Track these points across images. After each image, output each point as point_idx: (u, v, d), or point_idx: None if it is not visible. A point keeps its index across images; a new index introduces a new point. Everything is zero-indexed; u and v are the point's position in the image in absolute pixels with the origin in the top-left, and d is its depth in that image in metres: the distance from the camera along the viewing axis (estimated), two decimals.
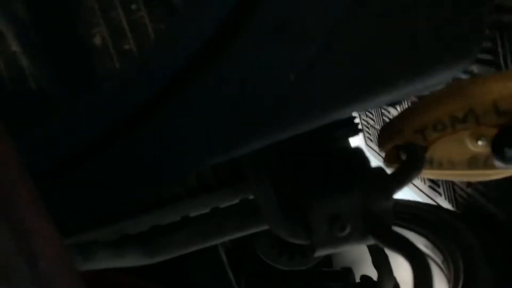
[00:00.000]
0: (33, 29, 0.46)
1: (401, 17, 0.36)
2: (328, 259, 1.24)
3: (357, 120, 0.63)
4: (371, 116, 1.62)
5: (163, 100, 0.36)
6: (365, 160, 0.55)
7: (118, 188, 0.40)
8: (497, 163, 0.49)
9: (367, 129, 1.54)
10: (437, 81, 0.39)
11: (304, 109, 0.36)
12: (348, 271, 1.11)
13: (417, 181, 1.39)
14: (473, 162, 0.54)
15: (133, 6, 0.48)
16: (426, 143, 0.53)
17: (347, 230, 0.50)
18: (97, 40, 0.48)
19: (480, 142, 0.51)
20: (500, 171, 0.54)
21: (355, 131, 0.59)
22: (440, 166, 0.55)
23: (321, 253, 0.52)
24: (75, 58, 0.47)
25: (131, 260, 0.54)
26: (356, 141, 0.68)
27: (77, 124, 0.41)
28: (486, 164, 0.54)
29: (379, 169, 0.54)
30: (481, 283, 0.92)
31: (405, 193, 1.41)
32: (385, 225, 0.50)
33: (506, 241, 0.99)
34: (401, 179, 0.53)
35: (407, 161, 0.55)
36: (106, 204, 0.42)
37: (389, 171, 0.56)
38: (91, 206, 0.42)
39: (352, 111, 0.38)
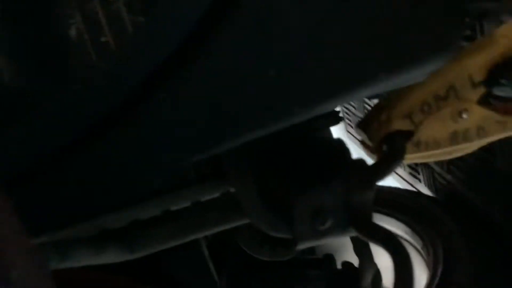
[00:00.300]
0: (5, 20, 0.44)
1: (382, 12, 0.35)
2: (311, 246, 1.25)
3: (338, 109, 0.63)
4: (352, 102, 1.62)
5: (142, 96, 0.35)
6: (346, 152, 0.55)
7: (97, 189, 0.39)
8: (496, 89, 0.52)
9: (348, 116, 1.55)
10: (418, 74, 0.39)
11: (284, 106, 0.35)
12: (330, 258, 1.11)
13: (397, 168, 1.40)
14: (454, 138, 0.56)
15: None
16: (413, 127, 0.54)
17: (329, 223, 0.50)
18: (72, 32, 0.47)
19: (464, 116, 0.53)
20: (474, 144, 0.56)
21: (336, 120, 0.59)
22: (427, 147, 0.56)
23: (303, 246, 0.52)
24: (50, 50, 0.45)
25: (111, 257, 0.53)
26: (337, 128, 0.68)
27: (55, 121, 0.39)
28: (465, 137, 0.56)
29: (360, 161, 0.54)
30: (460, 268, 0.94)
31: (386, 180, 1.42)
32: (366, 217, 0.51)
33: (483, 225, 1.00)
34: (382, 170, 0.53)
35: (389, 151, 0.55)
36: (84, 205, 0.41)
37: (371, 161, 0.56)
38: (68, 207, 0.41)
39: (333, 106, 0.38)
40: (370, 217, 0.51)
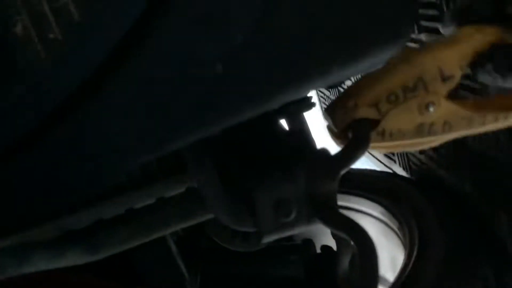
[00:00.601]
0: None
1: (331, 3, 0.34)
2: None
3: (310, 94, 0.62)
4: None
5: (89, 92, 0.34)
6: (309, 142, 0.54)
7: (48, 189, 0.38)
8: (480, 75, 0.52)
9: (323, 100, 1.54)
10: (372, 63, 0.38)
11: (234, 101, 0.34)
12: (308, 243, 1.12)
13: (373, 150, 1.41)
14: (420, 130, 0.55)
15: None
16: (379, 116, 0.54)
17: (293, 215, 0.50)
18: (18, 29, 0.45)
19: (431, 109, 0.53)
20: (439, 138, 0.56)
21: (308, 105, 0.58)
22: (391, 137, 0.56)
23: (268, 239, 0.52)
24: None
25: (72, 259, 0.52)
26: (313, 113, 0.67)
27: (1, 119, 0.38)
28: (430, 132, 0.55)
29: (323, 150, 0.53)
30: (435, 246, 0.95)
31: (361, 162, 1.42)
32: (330, 207, 0.50)
33: (456, 204, 1.01)
34: (346, 159, 0.52)
35: (353, 140, 0.54)
36: (37, 205, 0.39)
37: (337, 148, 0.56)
38: (19, 209, 0.40)
39: (286, 99, 0.37)
40: (335, 207, 0.51)
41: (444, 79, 0.52)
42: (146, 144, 0.34)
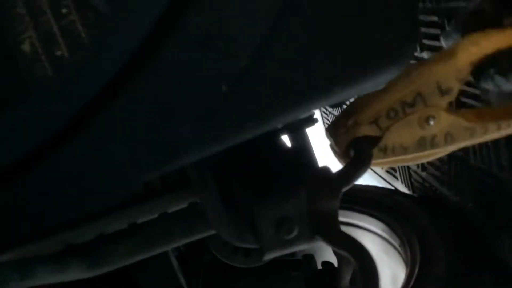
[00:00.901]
0: None
1: (333, 24, 0.35)
2: None
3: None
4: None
5: (95, 111, 0.35)
6: (311, 160, 0.55)
7: (52, 206, 0.38)
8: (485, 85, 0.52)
9: (325, 116, 1.55)
10: (373, 84, 0.39)
11: (237, 121, 0.35)
12: (309, 258, 1.12)
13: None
14: (422, 144, 0.56)
15: (64, 10, 0.45)
16: (380, 133, 0.54)
17: (295, 233, 0.50)
18: (26, 47, 0.46)
19: (431, 122, 0.54)
20: (442, 150, 0.56)
21: (311, 121, 0.59)
22: (393, 152, 0.56)
23: (270, 256, 0.52)
24: (2, 66, 0.44)
25: (75, 274, 0.52)
26: (315, 128, 0.68)
27: (8, 137, 0.38)
28: (432, 144, 0.56)
29: (325, 168, 0.54)
30: (437, 264, 0.94)
31: (364, 178, 1.42)
32: (332, 225, 0.50)
33: (458, 222, 1.01)
34: (348, 177, 0.53)
35: (355, 157, 0.55)
36: (40, 221, 0.40)
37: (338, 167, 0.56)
38: (23, 223, 0.40)
39: (289, 119, 0.37)
40: (336, 225, 0.51)
41: (443, 92, 0.53)
42: (150, 162, 0.35)
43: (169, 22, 0.32)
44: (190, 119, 0.34)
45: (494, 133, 0.55)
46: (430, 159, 0.58)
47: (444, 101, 0.53)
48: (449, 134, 0.55)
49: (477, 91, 0.79)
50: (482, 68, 0.51)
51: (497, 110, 0.58)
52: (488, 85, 0.51)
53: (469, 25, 0.53)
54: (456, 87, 0.52)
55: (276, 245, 0.50)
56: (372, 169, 1.43)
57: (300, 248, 0.52)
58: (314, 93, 0.36)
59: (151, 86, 0.33)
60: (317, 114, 1.51)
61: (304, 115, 0.38)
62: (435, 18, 0.88)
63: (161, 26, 0.32)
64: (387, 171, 1.33)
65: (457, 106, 0.84)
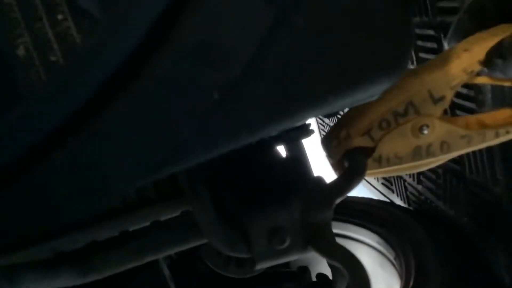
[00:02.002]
0: None
1: (327, 34, 0.35)
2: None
3: (308, 121, 0.62)
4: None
5: (88, 116, 0.34)
6: (305, 170, 0.54)
7: (43, 212, 0.38)
8: (494, 73, 0.51)
9: (322, 127, 1.55)
10: (367, 95, 0.39)
11: (230, 129, 0.35)
12: (304, 270, 1.11)
13: (371, 179, 1.41)
14: (417, 153, 0.55)
15: (60, 17, 0.45)
16: (373, 144, 0.54)
17: (287, 243, 0.50)
18: (21, 51, 0.46)
19: (425, 131, 0.53)
20: (439, 158, 0.56)
21: (307, 132, 0.59)
22: (388, 162, 0.56)
23: (261, 266, 0.51)
24: None
25: (65, 281, 0.51)
26: (312, 140, 0.68)
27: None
28: (428, 153, 0.55)
29: (319, 179, 0.54)
30: (431, 278, 0.94)
31: (360, 190, 1.42)
32: (325, 235, 0.50)
33: (453, 236, 1.01)
34: (341, 188, 0.52)
35: (348, 169, 0.55)
36: (30, 228, 0.39)
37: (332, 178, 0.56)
38: (12, 230, 0.40)
39: (281, 128, 0.37)
40: (329, 236, 0.50)
41: (435, 101, 0.52)
42: (141, 169, 0.34)
43: (163, 30, 0.32)
44: (182, 126, 0.34)
45: (492, 140, 0.55)
46: (427, 168, 0.58)
47: (437, 110, 0.52)
48: (445, 142, 0.54)
49: (471, 93, 0.79)
50: (489, 56, 0.50)
51: (494, 116, 0.57)
52: (496, 74, 0.50)
53: (468, 25, 0.53)
54: (449, 94, 0.52)
55: (268, 255, 0.50)
56: (368, 181, 1.43)
57: (293, 258, 0.51)
58: (307, 103, 0.36)
59: (144, 93, 0.33)
60: (313, 125, 1.51)
61: (297, 124, 0.38)
62: (431, 32, 0.88)
63: (155, 33, 0.32)
64: (383, 184, 1.33)
65: (451, 107, 0.84)
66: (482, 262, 0.93)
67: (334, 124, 0.58)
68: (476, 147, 0.55)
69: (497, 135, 0.54)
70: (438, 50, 0.87)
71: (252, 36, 0.32)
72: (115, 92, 0.33)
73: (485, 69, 0.51)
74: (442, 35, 0.85)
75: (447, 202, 1.02)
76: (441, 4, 0.83)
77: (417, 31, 0.92)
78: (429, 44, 0.90)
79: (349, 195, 1.24)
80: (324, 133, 1.57)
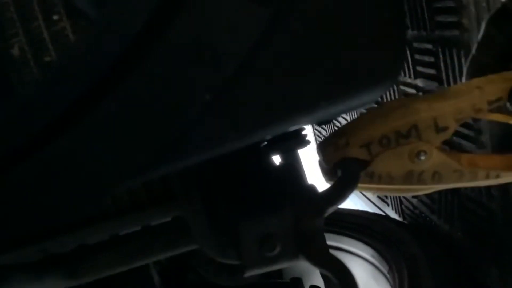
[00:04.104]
0: None
1: (321, 39, 0.35)
2: (279, 269, 1.24)
3: (305, 132, 0.62)
4: (324, 127, 1.63)
5: (78, 115, 0.34)
6: (298, 178, 0.54)
7: (30, 212, 0.37)
8: None
9: (319, 139, 1.55)
10: (359, 102, 0.39)
11: (220, 131, 0.35)
12: (297, 282, 1.10)
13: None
14: (409, 177, 0.55)
15: (55, 17, 0.45)
16: (369, 157, 0.54)
17: (277, 250, 0.49)
18: (15, 51, 0.46)
19: (422, 157, 0.53)
20: (428, 187, 0.56)
21: (303, 142, 0.59)
22: (379, 180, 0.56)
23: (251, 273, 0.51)
24: None
25: (52, 284, 0.51)
26: (307, 152, 0.68)
27: None
28: (419, 180, 0.55)
29: (311, 187, 0.53)
30: None
31: (355, 203, 1.42)
32: (316, 244, 0.50)
33: (448, 251, 1.01)
34: (334, 197, 0.52)
35: (342, 178, 0.54)
36: (17, 229, 0.39)
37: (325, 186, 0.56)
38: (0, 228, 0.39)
39: (273, 133, 0.37)
40: (321, 245, 0.50)
41: (438, 130, 0.52)
42: (130, 168, 0.34)
43: (156, 29, 0.32)
44: (172, 126, 0.33)
45: (482, 181, 0.55)
46: (415, 194, 0.59)
47: (438, 139, 0.53)
48: (438, 173, 0.55)
49: (471, 133, 0.79)
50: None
51: (486, 159, 0.57)
52: None
53: (481, 58, 0.54)
54: (453, 126, 0.52)
55: (259, 262, 0.50)
56: (363, 194, 1.43)
57: (283, 266, 0.51)
58: (299, 107, 0.36)
59: (134, 92, 0.33)
60: (310, 135, 1.51)
61: (290, 129, 0.38)
62: (429, 46, 0.89)
63: (147, 32, 0.32)
64: (378, 197, 1.33)
65: (451, 147, 0.85)
66: (475, 277, 0.92)
67: (335, 130, 0.58)
68: (465, 184, 0.56)
69: (487, 177, 0.55)
70: (435, 64, 0.88)
71: (245, 37, 0.32)
72: (106, 90, 0.33)
73: (493, 107, 0.52)
74: (440, 49, 0.86)
75: (441, 216, 1.02)
76: (439, 18, 0.84)
77: (415, 45, 0.93)
78: (426, 58, 0.91)
79: (344, 208, 1.24)
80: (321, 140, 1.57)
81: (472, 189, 0.87)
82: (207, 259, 0.69)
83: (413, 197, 1.12)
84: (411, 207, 1.15)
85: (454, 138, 0.83)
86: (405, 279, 0.97)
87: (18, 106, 0.35)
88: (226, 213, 0.51)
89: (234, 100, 0.34)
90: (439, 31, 0.84)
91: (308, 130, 1.67)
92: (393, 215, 1.26)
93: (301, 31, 0.34)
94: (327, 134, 1.46)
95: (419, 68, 0.94)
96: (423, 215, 1.10)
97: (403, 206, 1.20)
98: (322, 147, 0.57)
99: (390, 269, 1.04)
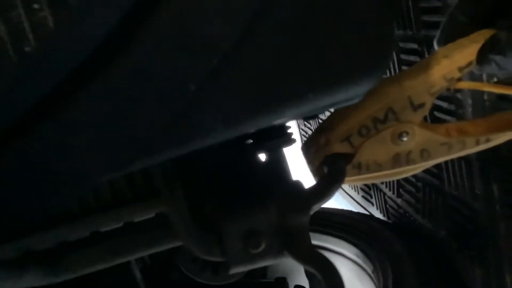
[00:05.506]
0: None
1: (308, 33, 0.35)
2: (263, 269, 1.23)
3: (290, 130, 0.62)
4: (309, 126, 1.63)
5: (57, 103, 0.33)
6: (283, 174, 0.54)
7: (5, 205, 0.36)
8: (490, 71, 0.50)
9: (305, 137, 1.55)
10: (347, 95, 0.38)
11: (205, 122, 0.34)
12: (282, 281, 1.10)
13: (351, 191, 1.41)
14: (397, 160, 0.55)
15: (35, 6, 0.44)
16: (353, 150, 0.54)
17: (262, 247, 0.49)
18: None
19: (404, 139, 0.53)
20: (419, 166, 0.55)
21: (288, 141, 0.58)
22: (368, 169, 0.55)
23: (236, 270, 0.50)
24: None
25: (31, 281, 0.49)
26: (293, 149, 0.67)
27: None
28: (408, 161, 0.55)
29: (297, 183, 0.53)
30: None
31: (339, 202, 1.42)
32: (301, 241, 0.49)
33: (432, 249, 1.01)
34: (320, 194, 0.52)
35: (327, 175, 0.54)
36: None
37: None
38: None
39: (259, 125, 0.36)
40: (306, 241, 0.50)
41: (415, 108, 0.52)
42: (112, 159, 0.33)
43: (139, 18, 0.31)
44: (156, 117, 0.33)
45: (473, 147, 0.54)
46: (408, 175, 0.57)
47: (417, 117, 0.52)
48: (425, 150, 0.54)
49: (452, 107, 0.80)
50: (483, 53, 0.49)
51: (475, 124, 0.56)
52: (492, 69, 0.49)
53: (460, 18, 0.52)
54: (429, 101, 0.51)
55: (243, 259, 0.49)
56: (348, 194, 1.43)
57: (268, 263, 0.50)
58: (285, 99, 0.35)
59: (117, 81, 0.32)
60: (295, 133, 1.51)
61: (275, 122, 0.37)
62: (415, 46, 0.89)
63: (131, 21, 0.31)
64: (363, 197, 1.33)
65: (432, 121, 0.84)
66: (459, 276, 0.93)
67: (314, 130, 0.57)
68: (456, 155, 0.55)
69: (477, 143, 0.54)
70: (418, 51, 0.88)
71: (231, 27, 0.31)
72: (87, 80, 0.32)
73: (466, 75, 0.51)
74: (425, 49, 0.86)
75: (425, 216, 1.02)
76: (425, 18, 0.84)
77: (401, 44, 0.93)
78: (412, 58, 0.91)
79: (328, 207, 1.24)
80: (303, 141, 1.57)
81: (456, 188, 0.87)
82: (191, 257, 0.68)
83: (398, 196, 1.13)
84: (395, 207, 1.16)
85: (436, 113, 0.83)
86: (389, 278, 0.97)
87: None
88: (210, 210, 0.50)
89: (219, 90, 0.33)
90: (425, 30, 0.85)
91: (294, 130, 1.67)
92: (377, 214, 1.26)
93: (288, 22, 0.34)
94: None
95: (405, 68, 0.94)
96: (407, 214, 1.10)
97: (387, 205, 1.20)
98: (305, 149, 0.57)
99: (375, 269, 1.04)
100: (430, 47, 0.84)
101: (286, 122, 0.51)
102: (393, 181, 1.14)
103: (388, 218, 1.22)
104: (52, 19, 0.42)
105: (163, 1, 0.31)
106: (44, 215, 0.37)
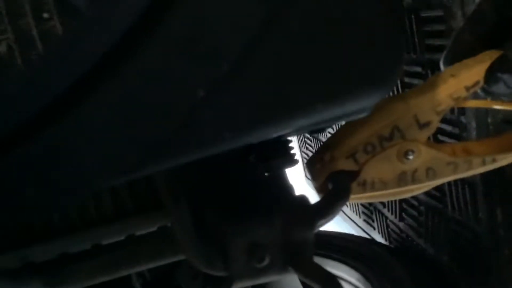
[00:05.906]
0: None
1: (320, 40, 0.35)
2: (263, 287, 1.22)
3: (293, 151, 0.62)
4: (311, 148, 1.63)
5: (64, 109, 0.33)
6: (288, 188, 0.53)
7: (9, 210, 0.36)
8: (496, 90, 0.49)
9: (306, 158, 1.54)
10: (357, 107, 0.38)
11: (213, 130, 0.34)
12: None
13: (352, 215, 1.40)
14: (403, 179, 0.54)
15: (45, 15, 0.45)
16: (358, 167, 0.53)
17: (266, 261, 0.48)
18: (2, 48, 0.45)
19: (410, 157, 0.52)
20: (425, 185, 0.55)
21: (291, 161, 0.58)
22: (373, 187, 0.54)
23: (239, 285, 0.49)
24: None
25: None
26: (296, 174, 0.67)
27: None
28: (414, 179, 0.54)
29: (302, 198, 0.52)
30: None
31: (341, 226, 1.41)
32: (305, 256, 0.49)
33: (433, 274, 1.00)
34: (325, 210, 0.51)
35: (332, 191, 0.54)
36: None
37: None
38: None
39: (268, 134, 0.36)
40: (310, 257, 0.49)
41: (421, 126, 0.51)
42: (117, 165, 0.33)
43: (150, 23, 0.32)
44: (163, 123, 0.33)
45: (479, 168, 0.54)
46: (412, 194, 0.57)
47: (423, 135, 0.52)
48: (431, 168, 0.53)
49: (456, 130, 0.80)
50: (491, 72, 0.49)
51: (480, 144, 0.56)
52: (500, 89, 0.49)
53: (467, 37, 0.52)
54: (435, 120, 0.51)
55: (247, 273, 0.48)
56: (349, 217, 1.42)
57: (272, 278, 0.50)
58: (294, 108, 0.35)
59: (125, 87, 0.32)
60: (298, 155, 1.51)
61: (283, 132, 0.37)
62: (419, 69, 0.90)
63: (141, 26, 0.31)
64: (365, 220, 1.32)
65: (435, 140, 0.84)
66: None
67: (319, 147, 0.57)
68: (462, 175, 0.55)
69: (483, 163, 0.54)
70: (422, 75, 0.89)
71: (241, 34, 0.32)
72: (96, 85, 0.32)
73: (471, 95, 0.51)
74: (429, 72, 0.87)
75: (428, 240, 1.01)
76: (429, 41, 0.85)
77: (405, 67, 0.94)
78: (416, 81, 0.92)
79: (329, 231, 1.23)
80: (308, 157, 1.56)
81: (460, 212, 0.87)
82: (191, 274, 0.67)
83: (400, 220, 1.12)
84: (397, 231, 1.15)
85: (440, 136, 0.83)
86: None
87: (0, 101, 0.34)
88: (214, 223, 0.50)
89: (228, 97, 0.33)
90: (428, 54, 0.86)
91: (296, 150, 1.67)
92: (379, 238, 1.25)
93: (299, 30, 0.34)
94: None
95: (406, 79, 0.95)
96: (409, 238, 1.10)
97: (389, 229, 1.19)
98: (310, 166, 0.56)
99: None
100: (434, 70, 0.85)
101: (294, 134, 0.51)
102: (395, 205, 1.13)
103: (390, 242, 1.21)
104: (61, 27, 0.43)
105: (173, 8, 0.31)
106: (45, 223, 0.37)
